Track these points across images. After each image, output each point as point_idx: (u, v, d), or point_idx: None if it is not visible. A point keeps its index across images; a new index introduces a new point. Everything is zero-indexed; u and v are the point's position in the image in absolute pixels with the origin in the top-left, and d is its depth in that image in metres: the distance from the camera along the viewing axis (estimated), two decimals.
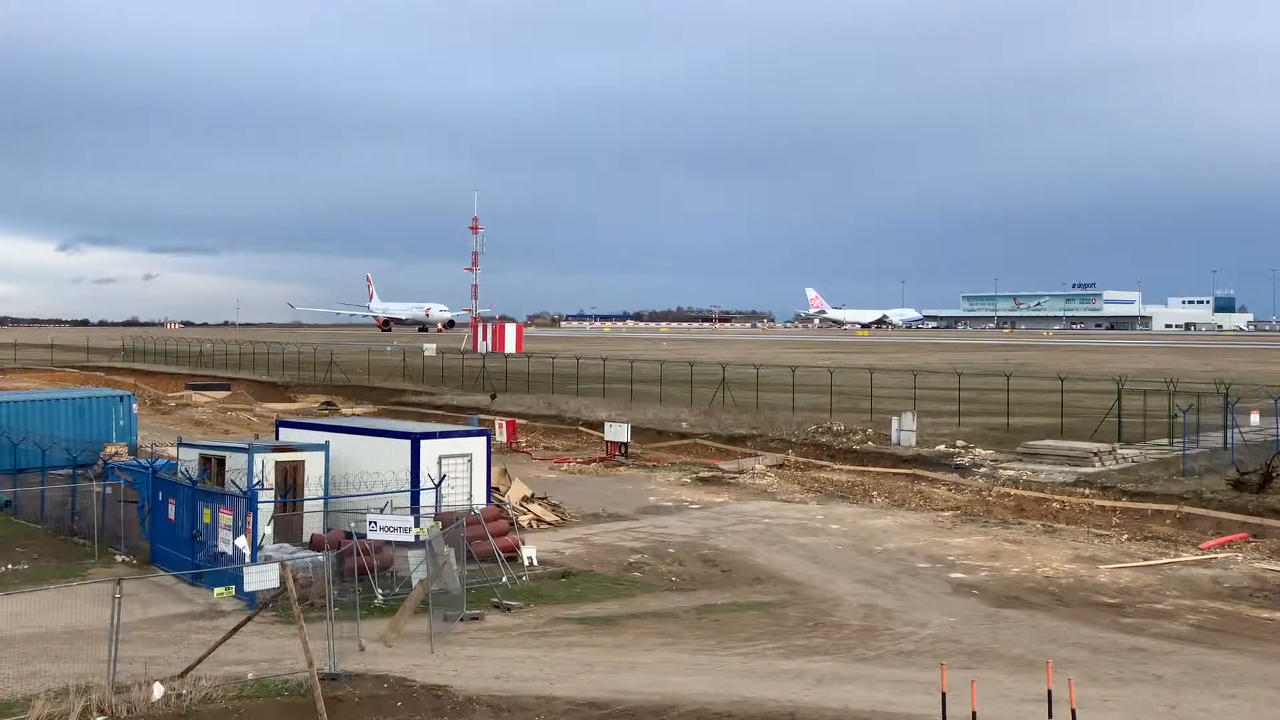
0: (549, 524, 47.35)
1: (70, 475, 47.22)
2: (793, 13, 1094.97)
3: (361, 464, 41.33)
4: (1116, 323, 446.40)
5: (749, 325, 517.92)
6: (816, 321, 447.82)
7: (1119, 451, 59.97)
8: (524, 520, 46.27)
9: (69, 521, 44.67)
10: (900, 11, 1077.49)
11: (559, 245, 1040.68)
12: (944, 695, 21.55)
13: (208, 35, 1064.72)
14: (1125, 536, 45.36)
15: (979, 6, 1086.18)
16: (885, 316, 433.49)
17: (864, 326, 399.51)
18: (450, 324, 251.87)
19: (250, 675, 26.69)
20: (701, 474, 61.46)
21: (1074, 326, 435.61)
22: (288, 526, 39.07)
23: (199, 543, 37.05)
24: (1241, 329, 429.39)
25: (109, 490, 43.12)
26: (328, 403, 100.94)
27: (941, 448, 63.46)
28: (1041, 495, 52.13)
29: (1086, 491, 51.88)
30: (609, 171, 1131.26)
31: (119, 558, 40.30)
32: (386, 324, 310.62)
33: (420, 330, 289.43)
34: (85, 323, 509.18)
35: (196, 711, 24.48)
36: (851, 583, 37.88)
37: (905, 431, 65.22)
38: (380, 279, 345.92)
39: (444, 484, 40.15)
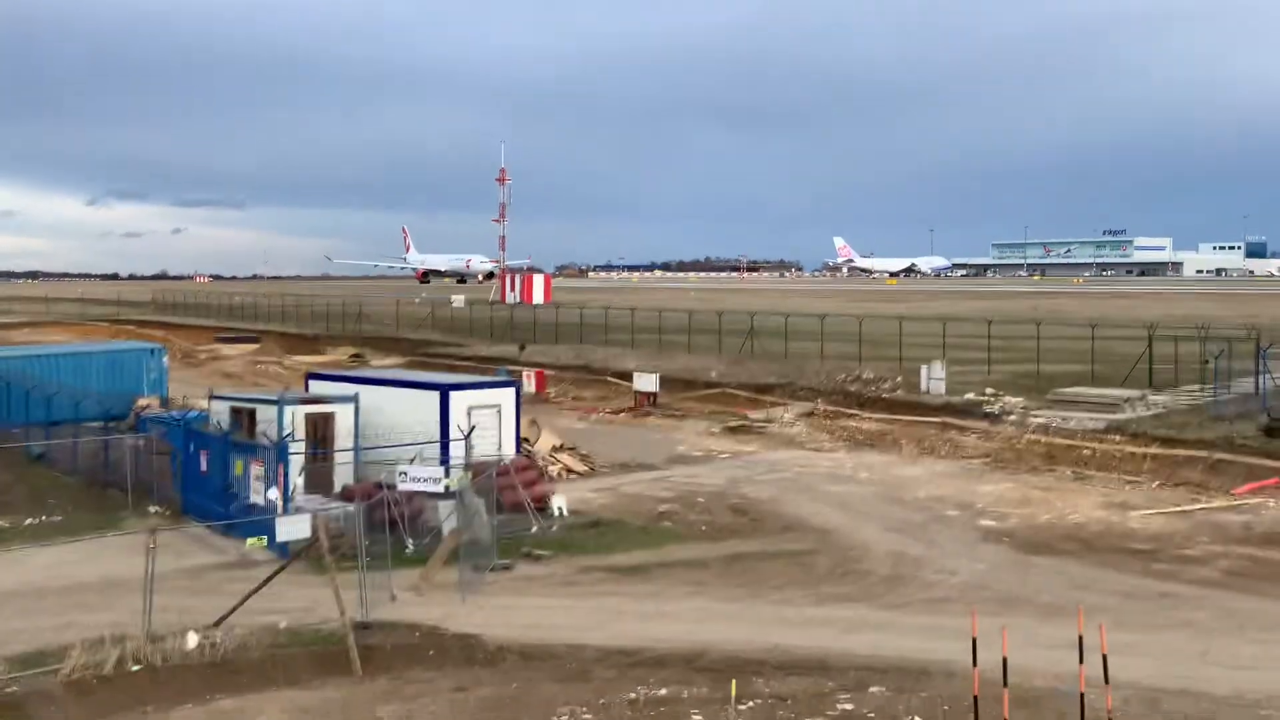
0: (578, 474, 47.46)
1: (103, 428, 47.50)
2: None
3: (391, 416, 41.42)
4: (1147, 269, 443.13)
5: (777, 275, 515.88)
6: (845, 270, 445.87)
7: (1150, 398, 59.61)
8: (553, 470, 46.39)
9: (102, 473, 44.92)
10: None
11: (586, 197, 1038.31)
12: (974, 641, 21.53)
13: None
14: (1156, 483, 45.22)
15: None
16: (914, 265, 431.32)
17: (892, 275, 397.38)
18: (490, 275, 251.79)
19: (283, 624, 26.89)
20: (730, 423, 61.46)
21: (1104, 273, 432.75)
22: (318, 478, 39.27)
23: (231, 494, 37.26)
24: (1273, 274, 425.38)
25: (141, 443, 43.37)
26: (357, 354, 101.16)
27: (971, 395, 63.18)
28: (1072, 442, 51.89)
29: (1117, 438, 51.61)
30: (636, 124, 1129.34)
31: (152, 509, 40.54)
32: (426, 276, 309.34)
33: (459, 281, 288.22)
34: (115, 276, 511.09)
35: (231, 660, 24.70)
36: (881, 531, 37.91)
37: (935, 380, 64.95)
38: (412, 231, 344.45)
39: (473, 435, 40.22)
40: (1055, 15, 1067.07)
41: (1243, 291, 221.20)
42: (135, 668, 24.05)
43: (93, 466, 45.78)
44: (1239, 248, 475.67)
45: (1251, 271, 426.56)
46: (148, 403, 53.64)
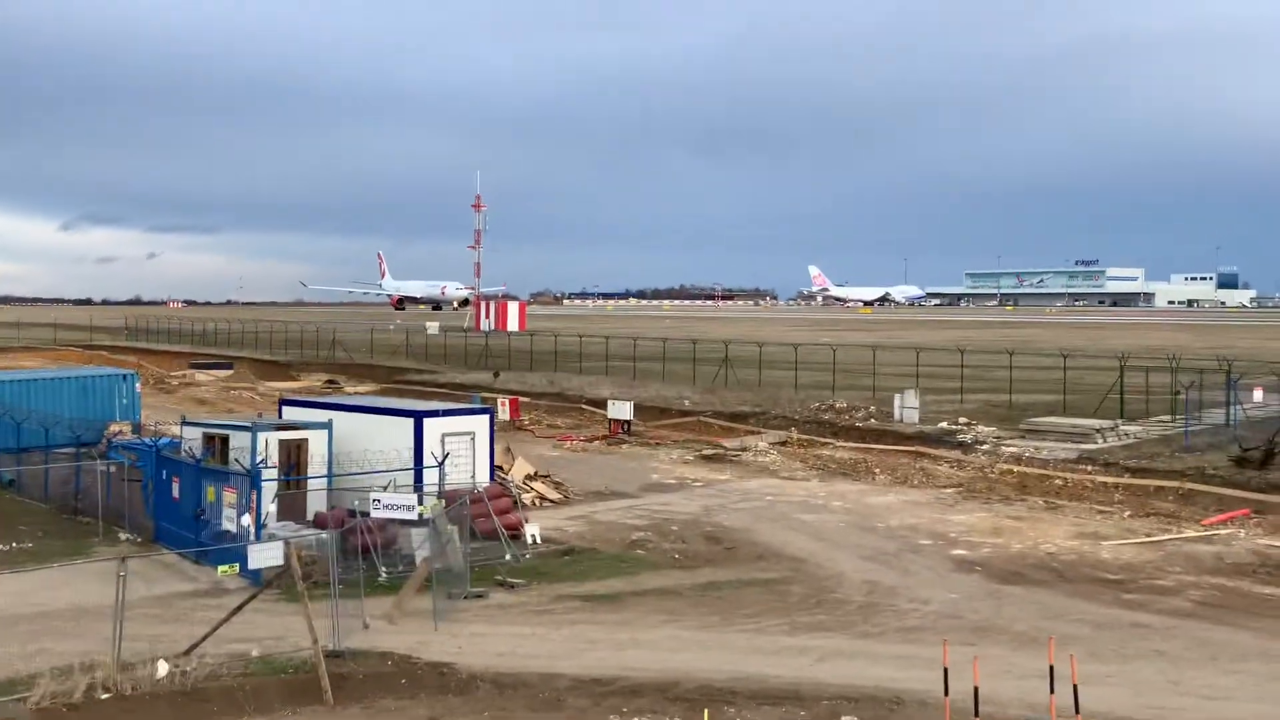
0: (552, 502, 47.39)
1: (74, 454, 47.24)
2: None
3: (365, 442, 41.33)
4: (1119, 299, 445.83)
5: (751, 303, 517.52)
6: (819, 299, 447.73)
7: (1121, 428, 59.96)
8: (527, 498, 46.32)
9: (73, 500, 44.68)
10: None
11: (562, 224, 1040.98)
12: (946, 671, 21.58)
13: (210, 14, 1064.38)
14: (1128, 513, 45.39)
15: None
16: (888, 294, 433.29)
17: (867, 304, 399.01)
18: (465, 302, 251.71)
19: (255, 652, 26.73)
20: (704, 451, 61.49)
21: (1077, 303, 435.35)
22: (291, 505, 39.12)
23: (203, 521, 37.09)
24: (1245, 305, 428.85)
25: (113, 469, 43.15)
26: (331, 381, 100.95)
27: (944, 425, 63.44)
28: (1044, 472, 52.12)
29: (1089, 468, 51.88)
30: (612, 151, 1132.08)
31: (123, 536, 40.31)
32: (401, 302, 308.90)
33: (434, 308, 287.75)
34: (88, 301, 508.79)
35: (201, 689, 24.52)
36: (854, 559, 37.94)
37: (908, 409, 65.21)
38: (386, 258, 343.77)
39: (447, 462, 40.14)
40: (1031, 44, 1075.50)
41: (1214, 322, 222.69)
42: (105, 696, 23.87)
43: (64, 493, 45.52)
44: (1211, 278, 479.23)
45: (1223, 302, 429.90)
46: (120, 429, 53.41)
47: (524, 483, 47.92)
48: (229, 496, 36.23)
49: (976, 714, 21.58)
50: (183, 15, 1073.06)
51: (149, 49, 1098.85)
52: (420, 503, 35.57)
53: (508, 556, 37.22)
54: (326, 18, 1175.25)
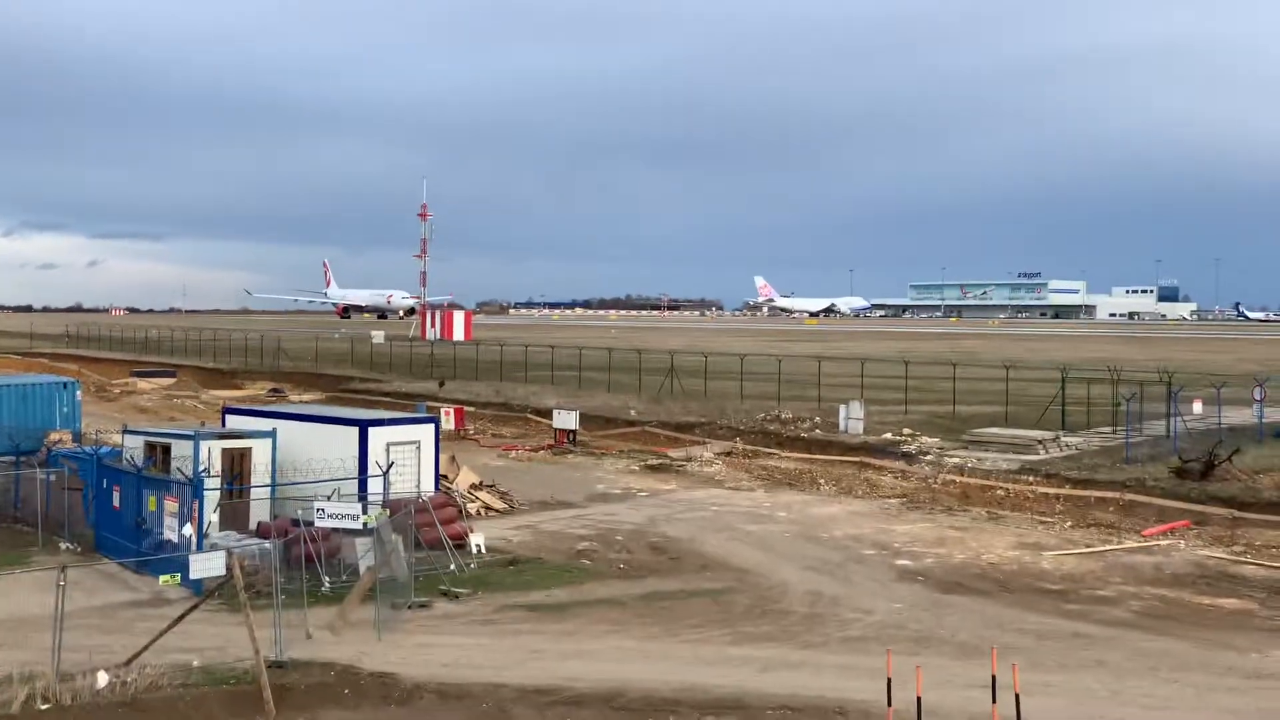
0: (497, 511, 47.30)
1: (13, 462, 46.70)
2: (744, 9, 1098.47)
3: (309, 451, 41.10)
4: (1061, 312, 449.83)
5: (697, 313, 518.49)
6: (765, 310, 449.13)
7: (1063, 439, 60.49)
8: (472, 508, 46.19)
9: (12, 509, 44.19)
10: (851, 9, 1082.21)
11: (509, 234, 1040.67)
12: (889, 681, 21.68)
13: (160, 24, 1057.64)
14: (1069, 523, 45.75)
15: (927, 6, 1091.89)
16: (833, 305, 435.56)
17: (812, 315, 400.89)
18: (412, 311, 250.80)
19: (196, 663, 26.54)
20: (650, 462, 61.53)
21: (1019, 315, 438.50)
22: (234, 514, 38.83)
23: (144, 530, 36.77)
24: (1185, 318, 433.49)
25: (52, 477, 42.69)
26: (275, 389, 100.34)
27: (888, 436, 63.78)
28: (986, 483, 52.49)
29: (1031, 479, 52.26)
30: (559, 162, 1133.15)
31: (63, 545, 39.92)
32: (346, 311, 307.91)
33: (380, 317, 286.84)
34: (28, 308, 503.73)
35: (142, 699, 24.33)
36: (799, 570, 38.05)
37: (853, 419, 65.50)
38: (335, 267, 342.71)
39: (392, 471, 39.99)
40: (977, 60, 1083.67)
41: (1155, 335, 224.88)
42: (44, 707, 23.65)
43: (2, 502, 45.00)
44: (1152, 291, 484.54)
45: (1164, 315, 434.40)
46: (60, 437, 52.84)
47: (469, 492, 47.80)
48: (170, 506, 35.92)
49: None
50: (132, 26, 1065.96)
51: (96, 59, 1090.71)
52: (364, 512, 35.40)
53: (452, 566, 37.11)
54: (276, 30, 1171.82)
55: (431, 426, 45.58)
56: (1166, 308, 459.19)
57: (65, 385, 63.15)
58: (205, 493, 35.83)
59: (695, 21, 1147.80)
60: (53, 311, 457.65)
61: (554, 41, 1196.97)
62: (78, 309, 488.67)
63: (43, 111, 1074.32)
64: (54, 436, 52.59)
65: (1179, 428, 59.53)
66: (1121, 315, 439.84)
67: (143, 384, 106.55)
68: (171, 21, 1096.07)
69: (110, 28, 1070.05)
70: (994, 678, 21.57)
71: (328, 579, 34.34)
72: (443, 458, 47.13)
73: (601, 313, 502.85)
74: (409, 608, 32.20)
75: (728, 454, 63.47)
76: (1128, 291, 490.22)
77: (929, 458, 58.05)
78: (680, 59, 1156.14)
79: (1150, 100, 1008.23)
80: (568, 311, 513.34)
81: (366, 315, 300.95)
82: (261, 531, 36.70)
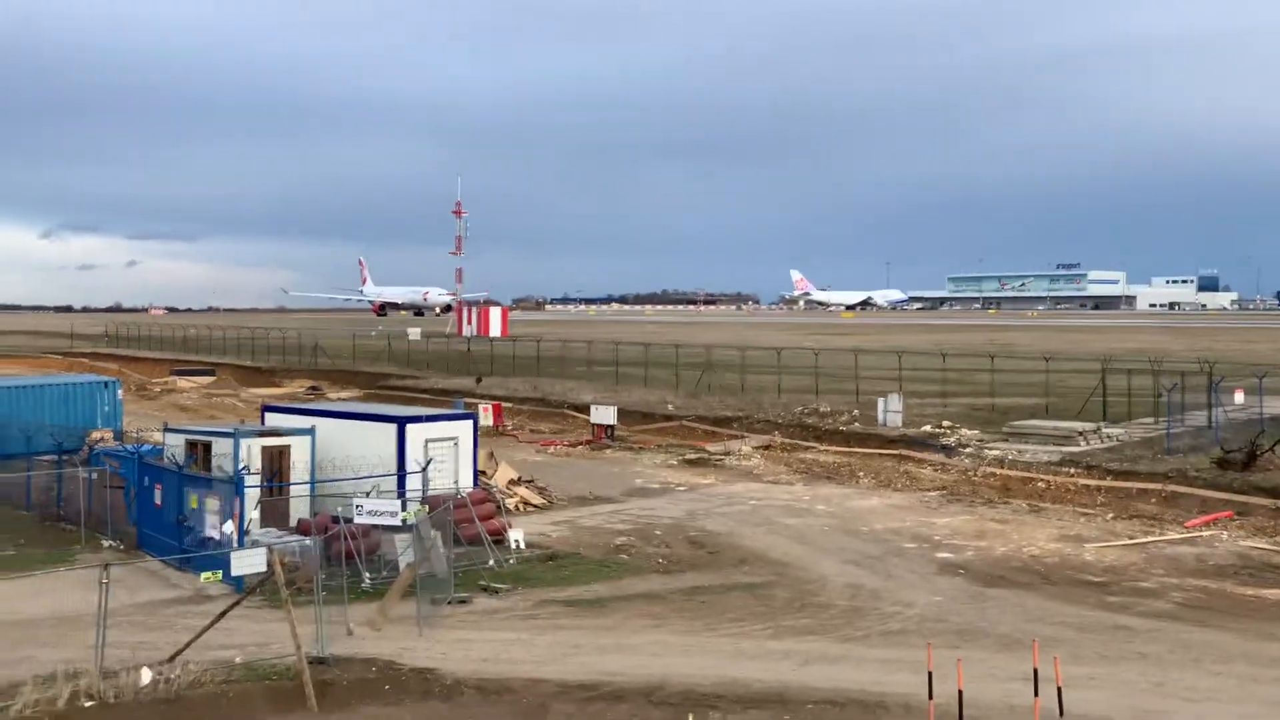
0: (536, 507, 47.35)
1: (56, 461, 47.06)
2: (776, 5, 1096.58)
3: (348, 448, 41.26)
4: (1101, 303, 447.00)
5: (734, 307, 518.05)
6: (801, 303, 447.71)
7: (1104, 431, 60.11)
8: (511, 503, 46.28)
9: (55, 508, 44.54)
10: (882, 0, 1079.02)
11: (543, 231, 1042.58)
12: (930, 674, 21.61)
13: (193, 27, 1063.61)
14: (1110, 515, 45.49)
15: None
16: (870, 298, 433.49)
17: (849, 308, 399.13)
18: (447, 308, 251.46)
19: (238, 659, 26.67)
20: (688, 456, 61.49)
21: (1059, 307, 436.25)
22: (274, 511, 39.04)
23: (185, 528, 36.96)
24: (1225, 308, 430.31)
25: (95, 476, 42.98)
26: (313, 387, 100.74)
27: (927, 428, 63.55)
28: (1027, 475, 52.21)
29: (1072, 471, 51.97)
30: (594, 158, 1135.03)
31: (105, 543, 40.18)
32: (383, 309, 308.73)
33: (417, 314, 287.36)
34: (69, 309, 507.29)
35: (184, 696, 24.46)
36: (838, 563, 37.95)
37: (891, 412, 65.28)
38: (368, 264, 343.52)
39: (430, 467, 40.12)
40: (1013, 50, 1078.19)
41: (1195, 325, 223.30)
42: (88, 704, 23.80)
43: (45, 501, 45.38)
44: (1192, 281, 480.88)
45: (1204, 305, 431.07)
46: (101, 436, 53.19)
47: (507, 488, 47.88)
48: (212, 503, 36.11)
49: (961, 717, 21.63)
50: (165, 29, 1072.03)
51: (130, 62, 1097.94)
52: (403, 508, 35.53)
53: (491, 562, 37.17)
54: (309, 32, 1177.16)
55: (469, 423, 45.68)
56: (1207, 298, 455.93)
57: (107, 384, 63.69)
58: (246, 490, 36.01)
59: (719, 18, 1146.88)
60: (93, 311, 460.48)
61: (576, 42, 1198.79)
62: (117, 309, 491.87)
63: (80, 114, 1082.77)
64: (96, 435, 52.96)
65: (1221, 418, 59.11)
66: (1162, 306, 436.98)
67: (183, 382, 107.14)
68: (206, 22, 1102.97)
69: (146, 29, 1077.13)
70: (1036, 670, 21.47)
71: (368, 575, 34.45)
72: (481, 454, 47.19)
73: (637, 308, 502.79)
74: (449, 603, 32.27)
75: (766, 448, 63.38)
76: (1168, 282, 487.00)
77: (969, 450, 57.79)
78: (704, 57, 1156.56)
79: (1188, 89, 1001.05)
80: (603, 307, 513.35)
81: (403, 312, 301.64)
82: (302, 528, 36.88)
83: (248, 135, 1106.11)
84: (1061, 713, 21.30)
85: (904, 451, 59.03)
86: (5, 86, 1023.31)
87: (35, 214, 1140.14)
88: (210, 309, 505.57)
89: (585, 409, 73.10)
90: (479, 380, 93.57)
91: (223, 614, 27.37)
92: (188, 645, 26.36)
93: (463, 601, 32.75)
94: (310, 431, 41.75)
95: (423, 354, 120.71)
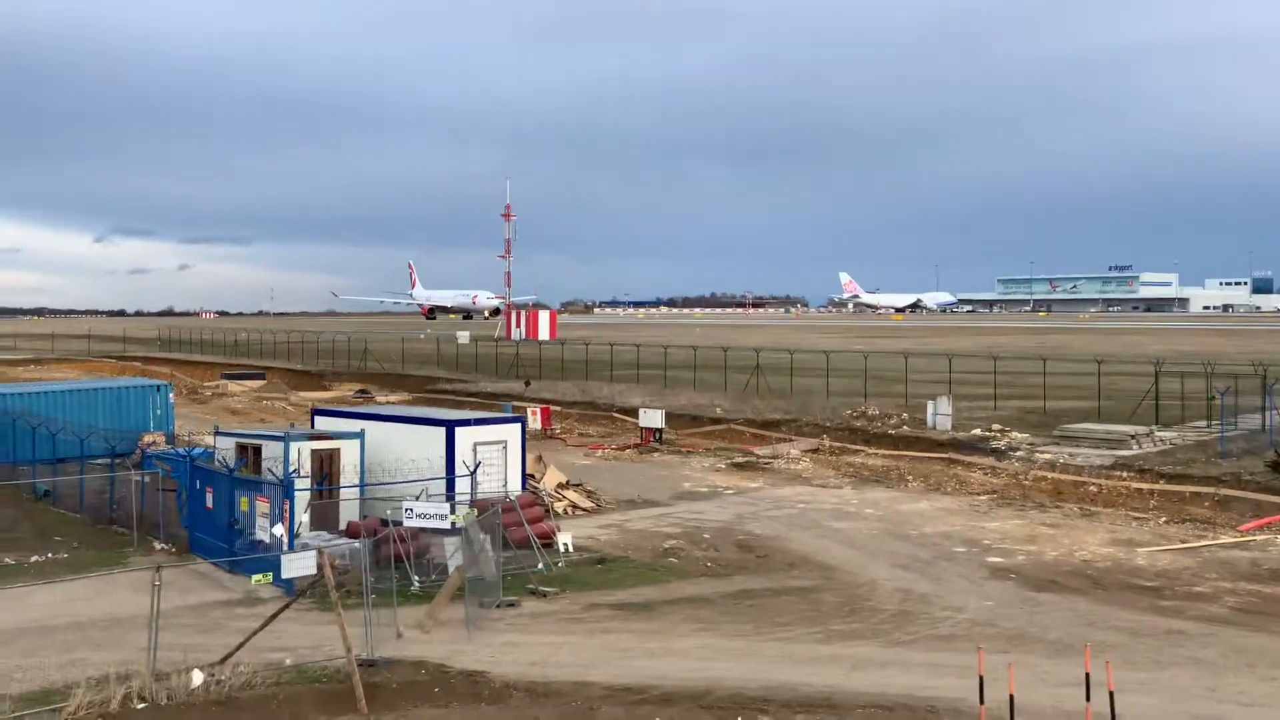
0: (584, 510, 47.40)
1: (109, 464, 47.51)
2: (824, 6, 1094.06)
3: (397, 451, 41.44)
4: (1153, 305, 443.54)
5: (782, 310, 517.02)
6: (850, 306, 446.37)
7: (1156, 434, 59.63)
8: (559, 506, 46.34)
9: (108, 510, 44.95)
10: (932, 4, 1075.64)
11: (591, 234, 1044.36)
12: (981, 679, 21.47)
13: (244, 31, 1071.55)
14: (1163, 519, 45.10)
15: None
16: (919, 300, 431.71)
17: (898, 311, 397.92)
18: (496, 311, 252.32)
19: (288, 661, 26.82)
20: (736, 459, 61.40)
21: (1110, 309, 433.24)
22: (324, 514, 39.25)
23: (236, 530, 37.22)
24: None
25: (147, 479, 43.39)
26: (362, 391, 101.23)
27: (977, 431, 63.23)
28: (1078, 478, 51.86)
29: (1124, 474, 51.57)
30: (640, 162, 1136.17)
31: (157, 546, 40.53)
32: (431, 312, 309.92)
33: (465, 317, 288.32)
34: (121, 313, 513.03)
35: (236, 698, 24.61)
36: (887, 567, 37.79)
37: (941, 415, 65.00)
38: (417, 267, 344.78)
39: (479, 471, 40.22)
40: (1063, 51, 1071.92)
41: (1249, 327, 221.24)
42: (140, 706, 23.98)
43: (98, 503, 45.80)
44: (1245, 283, 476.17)
45: (1258, 307, 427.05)
46: (153, 439, 53.72)
47: (556, 491, 47.95)
48: (262, 506, 36.35)
49: None
50: (216, 33, 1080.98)
51: (181, 64, 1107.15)
52: (452, 512, 35.62)
53: (540, 565, 37.22)
54: (356, 37, 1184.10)
55: (518, 426, 45.79)
56: (1261, 299, 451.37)
57: (158, 388, 64.32)
58: (296, 493, 36.23)
59: (769, 21, 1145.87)
60: (145, 315, 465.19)
61: (626, 45, 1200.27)
62: (169, 313, 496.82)
63: (130, 118, 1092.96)
64: (148, 438, 53.50)
65: (1275, 421, 58.56)
66: (1215, 308, 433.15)
67: (233, 386, 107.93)
68: (255, 25, 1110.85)
69: (194, 36, 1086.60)
70: (1087, 675, 21.29)
71: (417, 578, 34.56)
72: (530, 457, 47.31)
73: (686, 311, 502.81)
74: (497, 606, 32.33)
75: (814, 451, 63.20)
76: (1221, 284, 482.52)
77: (1019, 453, 57.46)
78: (753, 60, 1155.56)
79: (1243, 90, 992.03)
80: (652, 310, 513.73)
81: (452, 316, 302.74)
82: (351, 531, 37.05)
83: (301, 138, 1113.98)
84: (1114, 718, 21.10)
85: (953, 455, 58.74)
86: (58, 92, 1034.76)
87: (88, 218, 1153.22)
88: (261, 313, 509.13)
89: (633, 412, 73.13)
90: (527, 384, 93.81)
91: (273, 616, 27.53)
92: (239, 647, 26.52)
93: (511, 604, 32.81)
94: (360, 435, 41.96)
95: (471, 358, 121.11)
